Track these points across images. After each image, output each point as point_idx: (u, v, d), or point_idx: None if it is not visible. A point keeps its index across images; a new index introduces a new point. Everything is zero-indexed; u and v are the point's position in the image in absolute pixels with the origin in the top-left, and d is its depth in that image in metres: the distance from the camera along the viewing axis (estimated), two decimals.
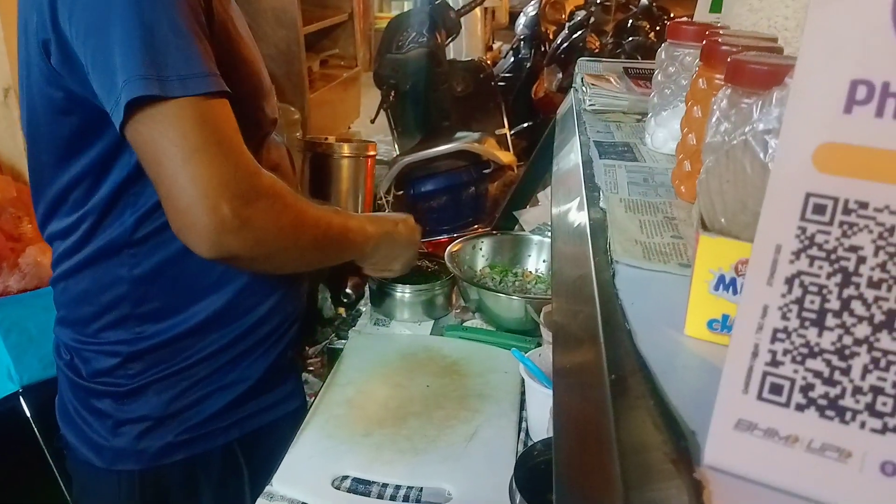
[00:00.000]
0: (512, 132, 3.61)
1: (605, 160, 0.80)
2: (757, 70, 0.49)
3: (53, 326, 1.00)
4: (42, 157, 0.89)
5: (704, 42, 0.65)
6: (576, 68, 1.25)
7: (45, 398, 1.71)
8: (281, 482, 0.93)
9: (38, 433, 1.71)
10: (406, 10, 3.54)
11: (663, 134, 0.80)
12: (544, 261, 1.43)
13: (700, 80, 0.64)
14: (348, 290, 2.41)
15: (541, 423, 0.97)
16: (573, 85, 1.23)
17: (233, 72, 0.86)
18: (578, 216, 0.68)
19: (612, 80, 1.07)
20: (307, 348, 2.26)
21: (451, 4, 3.38)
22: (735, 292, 0.41)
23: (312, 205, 0.93)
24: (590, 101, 1.00)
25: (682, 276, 0.51)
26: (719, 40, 0.63)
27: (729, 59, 0.52)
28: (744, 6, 0.92)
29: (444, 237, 2.70)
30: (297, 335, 1.09)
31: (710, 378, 0.34)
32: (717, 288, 0.42)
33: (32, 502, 1.81)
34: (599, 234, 0.61)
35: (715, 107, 0.47)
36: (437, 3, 3.26)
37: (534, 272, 1.43)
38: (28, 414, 1.71)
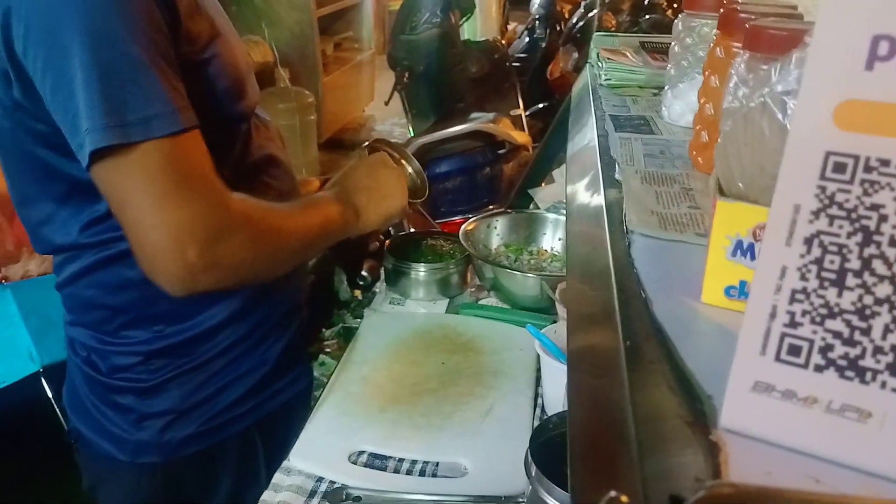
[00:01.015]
0: (527, 113, 3.59)
1: (621, 133, 0.79)
2: (776, 35, 0.48)
3: (64, 325, 0.98)
4: (19, 175, 0.86)
5: (722, 10, 0.64)
6: (591, 44, 1.24)
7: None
8: (298, 457, 0.94)
9: (59, 412, 1.73)
10: None
11: (680, 106, 0.79)
12: (560, 239, 1.42)
13: (718, 48, 0.63)
14: (364, 273, 2.41)
15: (556, 399, 0.97)
16: (588, 60, 1.22)
17: (207, 71, 0.84)
18: (594, 190, 0.68)
19: (629, 54, 1.06)
20: (324, 330, 2.27)
21: None
22: (753, 258, 0.41)
23: (289, 214, 0.89)
24: (606, 75, 0.99)
25: (698, 246, 0.50)
26: (738, 8, 0.62)
27: (748, 26, 0.51)
28: None
29: (459, 218, 2.70)
30: (305, 318, 1.10)
31: (727, 344, 0.34)
32: (734, 254, 0.41)
33: (53, 479, 1.84)
34: (615, 206, 0.60)
35: (733, 72, 0.46)
36: None
37: (549, 250, 1.42)
38: (49, 394, 1.74)
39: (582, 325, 0.48)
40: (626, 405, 0.35)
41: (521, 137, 2.90)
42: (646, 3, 3.67)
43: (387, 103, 3.58)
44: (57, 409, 1.74)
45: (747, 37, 0.50)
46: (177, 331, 0.92)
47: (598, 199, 0.63)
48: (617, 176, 0.66)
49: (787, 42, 0.46)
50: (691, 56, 0.77)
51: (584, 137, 0.86)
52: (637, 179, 0.64)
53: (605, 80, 1.00)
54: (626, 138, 0.77)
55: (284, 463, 0.94)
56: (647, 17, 3.48)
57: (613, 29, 3.40)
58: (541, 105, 3.80)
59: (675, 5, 3.44)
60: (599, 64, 1.04)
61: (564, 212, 1.44)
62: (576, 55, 3.70)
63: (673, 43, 0.82)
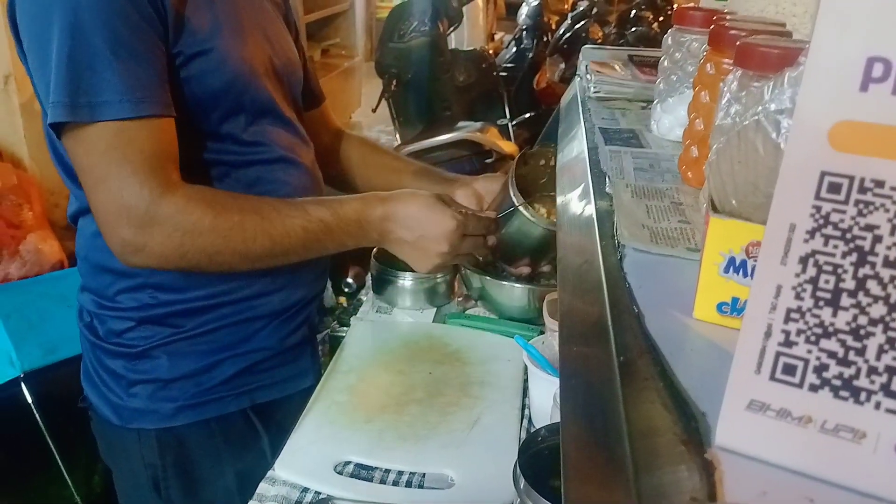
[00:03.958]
0: (514, 122, 3.60)
1: (611, 146, 0.80)
2: (767, 53, 0.48)
3: (77, 294, 1.05)
4: (49, 140, 0.93)
5: (712, 27, 0.64)
6: (580, 56, 1.25)
7: (46, 384, 1.72)
8: (283, 467, 0.93)
9: (38, 418, 1.71)
10: None
11: (669, 120, 0.80)
12: None
13: (708, 64, 0.63)
14: (349, 280, 2.41)
15: (543, 411, 0.97)
16: (577, 73, 1.22)
17: (203, 63, 0.88)
18: (584, 202, 0.68)
19: (617, 67, 1.06)
20: None
21: None
22: (745, 275, 0.41)
23: (258, 215, 0.89)
24: (595, 88, 1.00)
25: (690, 261, 0.51)
26: (727, 25, 0.63)
27: (738, 43, 0.52)
28: None
29: None
30: (313, 314, 1.12)
31: (720, 361, 0.34)
32: (727, 270, 0.41)
33: (33, 486, 1.81)
34: (606, 220, 0.60)
35: (725, 89, 0.47)
36: None
37: None
38: (29, 399, 1.71)
39: (574, 340, 0.48)
40: (620, 422, 0.35)
41: (508, 147, 2.91)
42: (632, 16, 3.71)
43: (374, 110, 3.59)
44: (37, 416, 1.72)
45: (738, 54, 0.50)
46: (171, 300, 0.96)
47: (590, 211, 0.63)
48: (607, 189, 0.67)
49: (779, 60, 0.46)
50: (681, 71, 0.77)
51: (574, 149, 0.86)
52: (627, 193, 0.65)
53: (594, 92, 1.00)
54: (615, 151, 0.78)
55: (269, 473, 0.93)
56: (633, 29, 3.51)
57: (600, 41, 3.43)
58: (527, 115, 3.82)
59: (660, 19, 3.48)
60: (588, 76, 1.05)
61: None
62: (562, 66, 3.73)
63: (662, 57, 0.82)
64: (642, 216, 0.60)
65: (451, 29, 3.44)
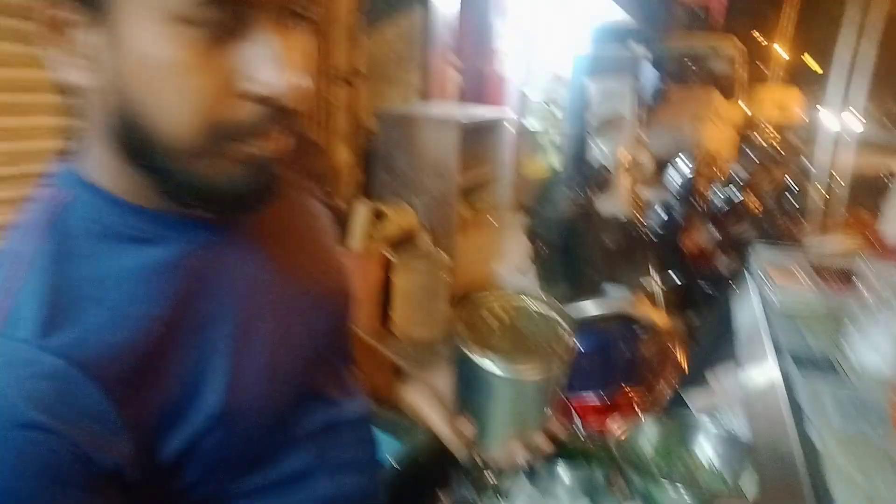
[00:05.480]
0: (662, 287, 3.54)
1: (805, 375, 0.76)
2: None
3: None
4: None
5: None
6: (750, 252, 1.24)
7: None
8: None
9: None
10: (557, 166, 3.68)
11: (871, 355, 0.76)
12: (719, 454, 1.34)
13: None
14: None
15: None
16: (749, 270, 1.21)
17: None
18: (784, 446, 0.65)
19: (799, 276, 1.04)
20: None
21: (603, 163, 3.48)
22: None
23: None
24: (779, 302, 0.97)
25: None
26: None
27: None
28: None
29: (591, 395, 2.63)
30: None
31: None
32: None
33: None
34: (817, 476, 0.57)
35: None
36: (590, 164, 3.37)
37: (705, 463, 1.34)
38: None
39: None
40: None
41: (660, 319, 2.84)
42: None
43: (524, 275, 3.67)
44: None
45: None
46: None
47: (793, 463, 0.60)
48: (812, 436, 0.63)
49: None
50: (882, 304, 0.75)
51: (761, 374, 0.83)
52: (833, 442, 0.61)
53: (779, 306, 0.97)
54: (812, 384, 0.74)
55: None
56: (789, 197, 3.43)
57: (759, 213, 3.38)
58: (676, 281, 3.75)
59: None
60: (768, 284, 1.03)
61: (723, 421, 1.37)
62: (714, 232, 3.68)
63: (859, 282, 0.80)
64: (854, 472, 0.57)
65: (602, 195, 3.53)
